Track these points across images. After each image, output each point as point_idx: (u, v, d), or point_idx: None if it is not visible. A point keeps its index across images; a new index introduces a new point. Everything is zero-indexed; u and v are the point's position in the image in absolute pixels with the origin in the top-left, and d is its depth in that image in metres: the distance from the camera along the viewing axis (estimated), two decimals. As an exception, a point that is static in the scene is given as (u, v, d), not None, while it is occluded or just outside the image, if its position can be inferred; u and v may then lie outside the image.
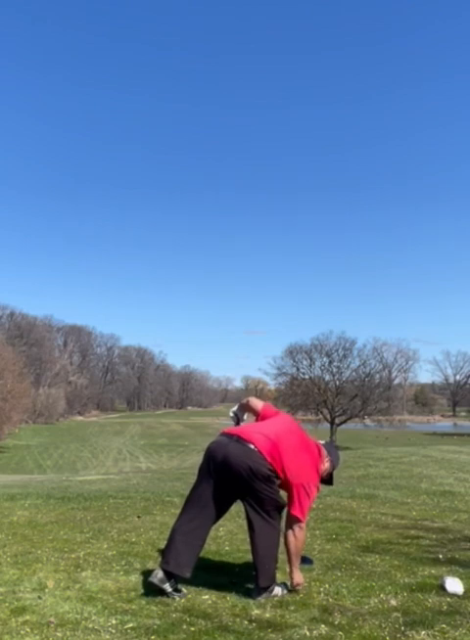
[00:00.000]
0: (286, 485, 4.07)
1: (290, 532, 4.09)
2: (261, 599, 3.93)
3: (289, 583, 4.14)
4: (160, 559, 4.21)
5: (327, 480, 4.38)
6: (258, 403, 4.48)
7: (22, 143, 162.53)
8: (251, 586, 4.13)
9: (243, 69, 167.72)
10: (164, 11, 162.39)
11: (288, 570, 4.15)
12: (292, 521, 4.10)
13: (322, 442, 4.44)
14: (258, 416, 4.39)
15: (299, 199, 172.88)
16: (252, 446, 3.96)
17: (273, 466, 3.96)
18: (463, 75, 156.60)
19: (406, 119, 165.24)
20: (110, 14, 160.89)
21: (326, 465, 4.28)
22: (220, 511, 4.10)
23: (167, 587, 3.93)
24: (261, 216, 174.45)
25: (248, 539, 4.19)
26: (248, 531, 4.13)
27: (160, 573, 3.95)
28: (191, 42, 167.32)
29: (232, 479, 3.94)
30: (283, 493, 4.11)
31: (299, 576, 4.12)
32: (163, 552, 4.16)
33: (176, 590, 4.00)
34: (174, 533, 4.05)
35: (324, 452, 4.29)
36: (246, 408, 4.54)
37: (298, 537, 4.08)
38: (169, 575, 3.95)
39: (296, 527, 4.08)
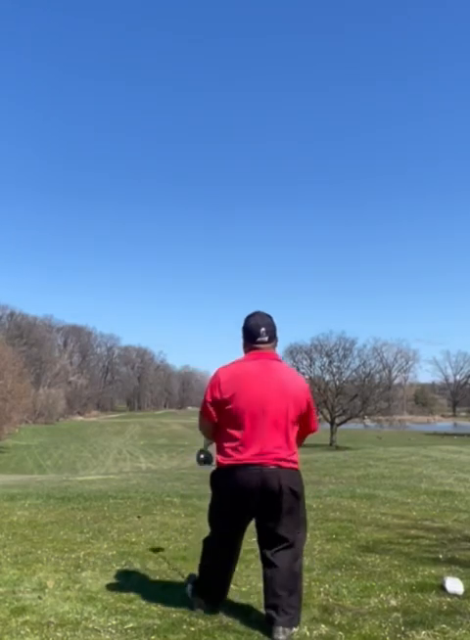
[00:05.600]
0: None
1: None
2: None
3: None
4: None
5: None
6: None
7: (21, 141, 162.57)
8: (251, 587, 4.13)
9: (237, 56, 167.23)
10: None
11: None
12: None
13: None
14: None
15: (298, 195, 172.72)
16: None
17: None
18: (465, 63, 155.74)
19: (408, 111, 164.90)
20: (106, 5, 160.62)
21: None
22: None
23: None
24: (261, 214, 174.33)
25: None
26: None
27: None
28: (186, 29, 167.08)
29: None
30: None
31: None
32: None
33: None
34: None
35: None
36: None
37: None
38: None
39: None
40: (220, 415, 3.54)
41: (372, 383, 66.41)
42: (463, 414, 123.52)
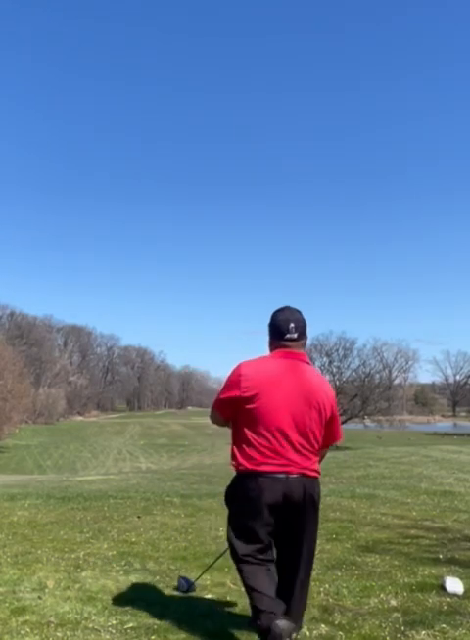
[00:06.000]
0: None
1: None
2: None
3: None
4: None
5: None
6: None
7: (21, 141, 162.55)
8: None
9: (237, 56, 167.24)
10: None
11: None
12: None
13: None
14: None
15: (298, 195, 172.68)
16: None
17: None
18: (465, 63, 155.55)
19: (405, 112, 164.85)
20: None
21: None
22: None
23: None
24: (261, 214, 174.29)
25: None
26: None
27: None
28: (187, 30, 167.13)
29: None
30: None
31: None
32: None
33: None
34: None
35: None
36: None
37: None
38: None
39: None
40: (239, 414, 3.25)
41: (372, 383, 66.42)
42: (463, 414, 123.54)
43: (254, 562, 3.24)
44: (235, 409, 3.25)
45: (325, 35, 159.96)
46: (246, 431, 3.22)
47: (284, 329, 3.31)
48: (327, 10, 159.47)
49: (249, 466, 3.18)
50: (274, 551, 3.33)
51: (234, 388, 3.23)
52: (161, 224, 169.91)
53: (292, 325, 3.31)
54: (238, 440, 3.26)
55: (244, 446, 3.22)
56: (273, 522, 3.20)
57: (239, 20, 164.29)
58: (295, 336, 3.31)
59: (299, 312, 3.40)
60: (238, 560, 3.29)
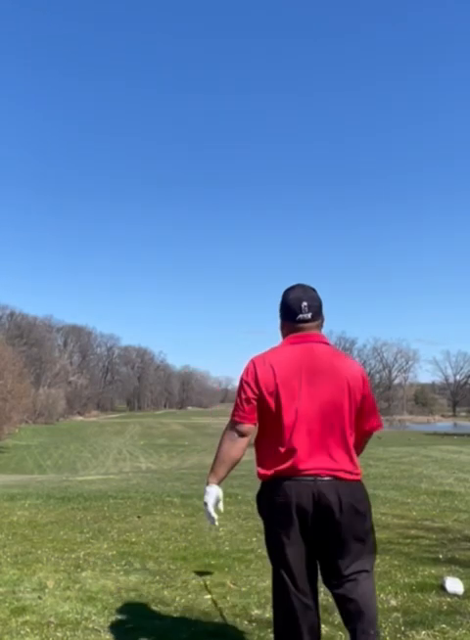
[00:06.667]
0: None
1: None
2: None
3: None
4: None
5: None
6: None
7: (20, 142, 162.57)
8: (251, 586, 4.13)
9: (237, 57, 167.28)
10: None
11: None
12: None
13: None
14: None
15: (297, 197, 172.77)
16: None
17: None
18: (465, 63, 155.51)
19: (406, 113, 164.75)
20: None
21: None
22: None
23: None
24: (261, 215, 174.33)
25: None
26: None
27: None
28: (187, 30, 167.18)
29: None
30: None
31: None
32: None
33: None
34: None
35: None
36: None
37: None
38: None
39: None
40: (259, 417, 2.81)
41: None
42: (463, 414, 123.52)
43: (287, 589, 2.75)
44: (254, 411, 2.79)
45: (326, 35, 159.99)
46: (267, 433, 2.80)
47: (296, 308, 2.85)
48: (327, 10, 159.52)
49: (272, 470, 2.74)
50: (317, 583, 2.83)
51: (250, 388, 2.78)
52: (160, 224, 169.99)
53: (305, 304, 2.85)
54: (259, 445, 2.84)
55: (265, 452, 2.79)
56: (304, 536, 2.70)
57: (239, 20, 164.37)
58: (308, 316, 2.85)
59: (312, 289, 2.94)
60: (273, 587, 2.86)
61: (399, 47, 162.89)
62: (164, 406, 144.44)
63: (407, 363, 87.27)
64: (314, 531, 2.70)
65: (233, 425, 2.81)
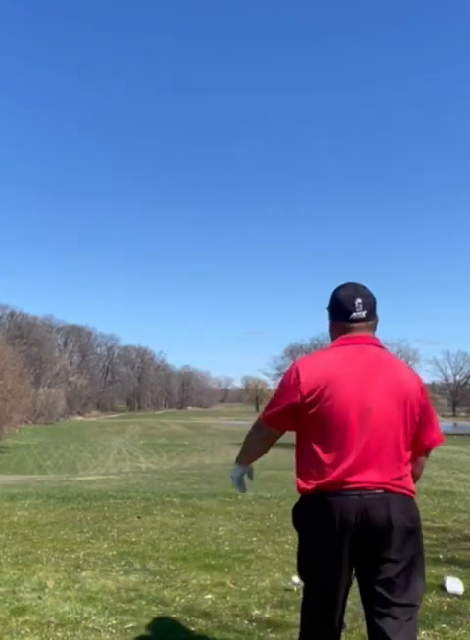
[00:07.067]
0: None
1: None
2: None
3: None
4: None
5: None
6: None
7: (20, 142, 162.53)
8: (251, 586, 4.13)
9: (238, 57, 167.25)
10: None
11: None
12: None
13: None
14: None
15: (297, 196, 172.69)
16: None
17: None
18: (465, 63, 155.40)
19: (407, 109, 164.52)
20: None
21: None
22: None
23: None
24: (261, 214, 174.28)
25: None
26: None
27: None
28: (187, 31, 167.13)
29: None
30: None
31: None
32: None
33: None
34: None
35: None
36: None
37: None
38: None
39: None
40: (301, 424, 2.53)
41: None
42: (463, 414, 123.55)
43: (318, 612, 2.51)
44: (296, 419, 2.53)
45: (326, 35, 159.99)
46: (309, 442, 2.51)
47: (349, 307, 2.60)
48: (327, 10, 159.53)
49: (314, 484, 2.45)
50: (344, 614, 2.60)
51: (292, 393, 2.50)
52: (160, 224, 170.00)
53: (359, 301, 2.61)
54: (300, 455, 2.56)
55: (307, 463, 2.51)
56: (345, 558, 2.41)
57: (239, 20, 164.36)
58: (363, 314, 2.60)
59: (365, 287, 2.71)
60: (302, 607, 2.58)
61: (399, 47, 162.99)
62: (164, 406, 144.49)
63: (407, 363, 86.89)
64: (358, 553, 2.41)
65: (260, 423, 2.63)
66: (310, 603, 2.52)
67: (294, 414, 2.51)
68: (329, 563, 2.41)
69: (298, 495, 2.54)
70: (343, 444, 2.43)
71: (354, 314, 2.59)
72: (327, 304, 2.71)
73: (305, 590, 2.55)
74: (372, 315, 2.64)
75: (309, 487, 2.45)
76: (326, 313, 2.72)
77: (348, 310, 2.60)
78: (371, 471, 2.42)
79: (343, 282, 2.71)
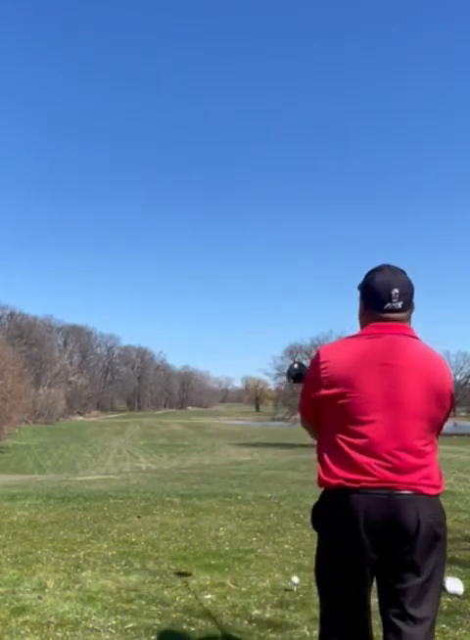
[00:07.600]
0: None
1: None
2: None
3: None
4: None
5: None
6: None
7: (21, 141, 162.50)
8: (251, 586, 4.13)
9: (238, 58, 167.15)
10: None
11: None
12: None
13: None
14: None
15: (298, 195, 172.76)
16: None
17: None
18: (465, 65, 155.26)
19: (407, 109, 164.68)
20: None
21: None
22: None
23: None
24: (261, 214, 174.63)
25: None
26: None
27: None
28: (187, 32, 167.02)
29: None
30: None
31: None
32: None
33: None
34: None
35: None
36: None
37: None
38: None
39: None
40: (325, 416, 2.38)
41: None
42: (463, 414, 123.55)
43: (338, 621, 2.36)
44: (318, 410, 2.40)
45: (326, 35, 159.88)
46: (333, 435, 2.35)
47: (384, 296, 2.39)
48: (327, 10, 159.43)
49: (337, 479, 2.28)
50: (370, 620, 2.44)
51: (315, 384, 2.37)
52: (160, 225, 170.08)
53: (395, 291, 2.39)
54: (322, 449, 2.39)
55: (330, 456, 2.34)
56: (369, 561, 2.24)
57: (239, 22, 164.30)
58: (399, 305, 2.39)
59: (403, 272, 2.49)
60: (321, 617, 2.41)
61: (399, 47, 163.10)
62: (164, 406, 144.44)
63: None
64: (381, 556, 2.24)
65: (300, 416, 2.60)
66: (330, 613, 2.36)
67: (315, 406, 2.39)
68: (351, 566, 2.25)
69: (318, 492, 2.39)
70: (368, 438, 2.27)
71: (389, 304, 2.38)
72: (359, 284, 2.50)
73: (323, 597, 2.38)
74: (408, 305, 2.44)
75: (333, 481, 2.29)
76: (357, 293, 2.51)
77: (383, 300, 2.39)
78: (399, 468, 2.25)
79: (379, 264, 2.50)
